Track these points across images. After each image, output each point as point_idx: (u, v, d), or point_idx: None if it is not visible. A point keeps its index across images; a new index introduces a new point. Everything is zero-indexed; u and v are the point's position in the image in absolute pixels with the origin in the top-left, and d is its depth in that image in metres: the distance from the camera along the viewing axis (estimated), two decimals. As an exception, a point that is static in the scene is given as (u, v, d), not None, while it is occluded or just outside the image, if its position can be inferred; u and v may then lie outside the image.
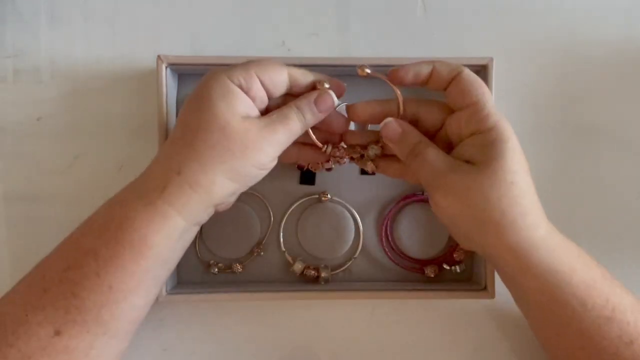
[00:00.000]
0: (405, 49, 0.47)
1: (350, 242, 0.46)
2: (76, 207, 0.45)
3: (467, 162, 0.35)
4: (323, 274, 0.44)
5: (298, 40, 0.47)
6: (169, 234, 0.34)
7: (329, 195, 0.45)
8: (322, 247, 0.46)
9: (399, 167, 0.39)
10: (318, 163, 0.43)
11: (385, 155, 0.39)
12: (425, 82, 0.36)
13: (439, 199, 0.35)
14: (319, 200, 0.45)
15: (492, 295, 0.42)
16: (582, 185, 0.47)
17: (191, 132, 0.34)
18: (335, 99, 0.37)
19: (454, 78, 0.35)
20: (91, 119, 0.46)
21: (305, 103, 0.36)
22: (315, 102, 0.36)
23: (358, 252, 0.45)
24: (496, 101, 0.42)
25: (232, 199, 0.38)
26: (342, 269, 0.45)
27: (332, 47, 0.47)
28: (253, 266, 0.46)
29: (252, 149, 0.34)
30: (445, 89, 0.36)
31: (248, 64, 0.35)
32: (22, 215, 0.45)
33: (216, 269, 0.45)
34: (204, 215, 0.36)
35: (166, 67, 0.42)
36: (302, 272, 0.45)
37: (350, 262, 0.45)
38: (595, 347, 0.34)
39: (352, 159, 0.40)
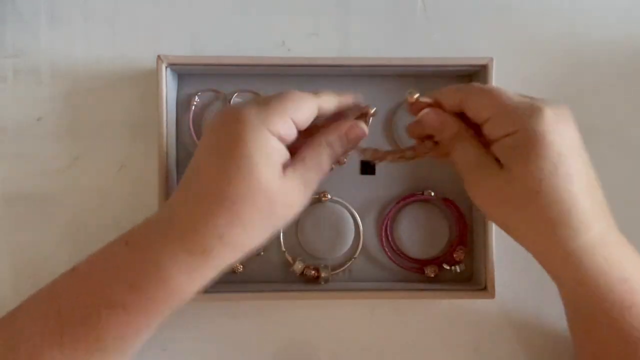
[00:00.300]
0: (405, 49, 0.47)
1: (350, 242, 0.46)
2: (76, 207, 0.46)
3: (500, 163, 0.33)
4: (323, 274, 0.44)
5: (298, 40, 0.47)
6: (202, 285, 0.33)
7: (328, 195, 0.45)
8: (322, 247, 0.45)
9: (439, 148, 0.38)
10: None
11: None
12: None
13: (473, 196, 0.34)
14: (319, 200, 0.45)
15: (492, 295, 0.42)
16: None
17: (232, 197, 0.31)
18: (365, 129, 0.36)
19: (463, 103, 0.34)
20: (91, 119, 0.46)
21: (337, 138, 0.35)
22: (347, 135, 0.35)
23: (358, 252, 0.45)
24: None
25: None
26: (342, 269, 0.45)
27: (332, 47, 0.47)
28: (253, 266, 0.46)
29: (292, 209, 0.33)
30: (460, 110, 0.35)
31: (283, 106, 0.32)
32: (22, 215, 0.45)
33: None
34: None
35: (166, 67, 0.42)
36: (302, 272, 0.45)
37: (350, 262, 0.45)
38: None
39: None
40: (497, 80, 0.42)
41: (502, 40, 0.47)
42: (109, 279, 0.32)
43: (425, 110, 0.35)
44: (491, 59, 0.42)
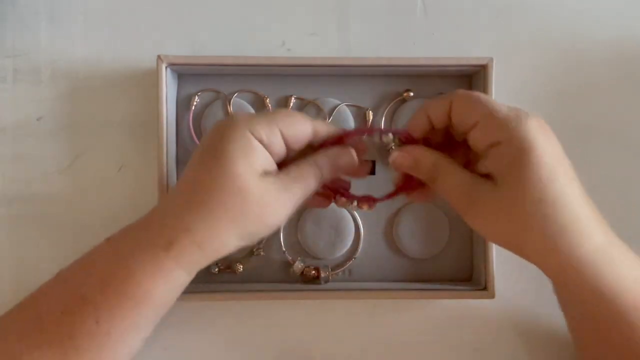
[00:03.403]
0: (405, 49, 0.47)
1: (350, 242, 0.46)
2: (76, 207, 0.46)
3: (489, 176, 0.32)
4: (323, 274, 0.44)
5: (298, 40, 0.47)
6: (172, 288, 0.33)
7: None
8: (322, 247, 0.45)
9: (425, 193, 0.37)
10: None
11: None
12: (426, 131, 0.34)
13: (471, 222, 0.33)
14: (319, 200, 0.45)
15: (492, 295, 0.42)
16: (581, 185, 0.47)
17: (205, 190, 0.31)
18: (355, 157, 0.35)
19: (451, 109, 0.33)
20: (91, 119, 0.46)
21: (326, 161, 0.34)
22: (337, 160, 0.34)
23: (358, 252, 0.45)
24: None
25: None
26: (342, 269, 0.45)
27: (332, 47, 0.47)
28: (253, 266, 0.46)
29: (268, 213, 0.32)
30: (449, 122, 0.34)
31: (273, 116, 0.33)
32: (22, 215, 0.45)
33: (216, 269, 0.45)
34: (207, 266, 0.35)
35: (166, 67, 0.42)
36: (302, 272, 0.45)
37: (350, 262, 0.45)
38: None
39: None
40: (497, 80, 0.42)
41: (502, 40, 0.47)
42: (85, 276, 0.33)
43: (394, 154, 0.34)
44: (491, 59, 0.42)
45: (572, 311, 0.34)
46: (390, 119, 0.46)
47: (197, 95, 0.45)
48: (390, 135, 0.36)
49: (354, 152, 0.35)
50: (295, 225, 0.46)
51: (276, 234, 0.45)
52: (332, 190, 0.38)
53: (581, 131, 0.47)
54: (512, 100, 0.46)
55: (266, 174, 0.33)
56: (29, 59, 0.46)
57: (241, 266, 0.45)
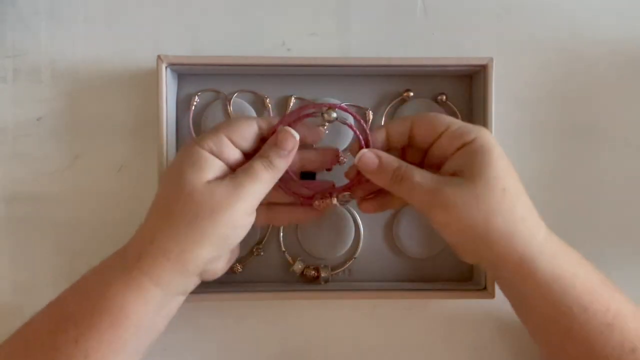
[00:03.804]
0: (405, 49, 0.47)
1: (350, 242, 0.46)
2: (76, 207, 0.46)
3: (455, 175, 0.35)
4: (323, 274, 0.44)
5: (298, 40, 0.47)
6: (146, 304, 0.33)
7: (329, 195, 0.45)
8: (322, 247, 0.45)
9: (379, 202, 0.40)
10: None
11: (365, 196, 0.40)
12: (385, 144, 0.38)
13: (439, 217, 0.34)
14: (319, 200, 0.45)
15: (492, 295, 0.42)
16: (582, 185, 0.47)
17: (164, 202, 0.34)
18: (295, 135, 0.36)
19: (412, 127, 0.37)
20: (91, 119, 0.46)
21: (268, 147, 0.36)
22: (277, 143, 0.36)
23: (358, 252, 0.45)
24: (496, 101, 0.42)
25: (219, 266, 0.37)
26: (342, 269, 0.45)
27: (332, 47, 0.47)
28: (253, 266, 0.46)
29: (219, 209, 0.33)
30: (411, 140, 0.37)
31: (218, 126, 0.36)
32: (22, 215, 0.45)
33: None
34: (187, 285, 0.35)
35: (166, 67, 0.42)
36: (302, 272, 0.45)
37: (350, 262, 0.45)
38: (598, 354, 0.34)
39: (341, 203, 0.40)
40: (497, 80, 0.42)
41: (502, 40, 0.47)
42: (72, 294, 0.35)
43: (362, 152, 0.37)
44: (491, 59, 0.42)
45: (523, 295, 0.35)
46: (390, 119, 0.46)
47: (197, 95, 0.45)
48: (334, 114, 0.37)
49: (292, 131, 0.36)
50: (295, 225, 0.46)
51: (276, 234, 0.46)
52: (312, 197, 0.40)
53: (581, 131, 0.47)
54: (512, 100, 0.46)
55: (219, 179, 0.34)
56: (29, 59, 0.46)
57: (241, 266, 0.45)
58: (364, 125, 0.38)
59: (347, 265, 0.45)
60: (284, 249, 0.45)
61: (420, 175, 0.35)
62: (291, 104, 0.45)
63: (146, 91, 0.45)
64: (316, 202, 0.39)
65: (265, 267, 0.46)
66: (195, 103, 0.45)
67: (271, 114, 0.45)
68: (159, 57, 0.42)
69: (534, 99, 0.47)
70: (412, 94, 0.45)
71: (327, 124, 0.37)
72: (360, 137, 0.37)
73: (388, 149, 0.38)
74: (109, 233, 0.45)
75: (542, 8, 0.47)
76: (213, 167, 0.34)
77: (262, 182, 0.35)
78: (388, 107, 0.45)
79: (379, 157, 0.36)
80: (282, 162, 0.36)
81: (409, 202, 0.36)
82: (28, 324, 0.35)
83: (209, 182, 0.34)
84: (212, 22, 0.47)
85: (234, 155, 0.36)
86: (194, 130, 0.45)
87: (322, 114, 0.37)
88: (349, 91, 0.46)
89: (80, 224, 0.45)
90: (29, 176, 0.46)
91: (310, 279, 0.45)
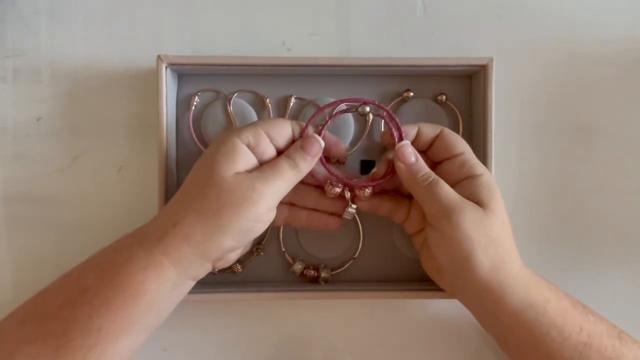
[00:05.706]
0: (405, 49, 0.47)
1: (350, 242, 0.46)
2: (76, 207, 0.46)
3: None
4: (323, 274, 0.44)
5: (298, 40, 0.47)
6: (162, 283, 0.34)
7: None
8: (322, 247, 0.46)
9: (391, 206, 0.41)
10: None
11: (376, 194, 0.41)
12: (412, 142, 0.39)
13: (448, 228, 0.36)
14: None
15: (492, 295, 0.42)
16: (582, 185, 0.47)
17: (192, 188, 0.35)
18: (321, 141, 0.38)
19: (438, 136, 0.39)
20: (91, 119, 0.46)
21: (293, 150, 0.37)
22: (302, 147, 0.37)
23: (358, 252, 0.45)
24: (496, 101, 0.42)
25: (232, 257, 0.38)
26: (342, 269, 0.45)
27: (332, 47, 0.47)
28: (253, 266, 0.46)
29: (244, 201, 0.34)
30: (429, 147, 0.40)
31: (257, 122, 0.37)
32: (22, 215, 0.45)
33: (216, 269, 0.45)
34: (200, 271, 0.36)
35: (166, 67, 0.42)
36: (302, 272, 0.45)
37: (350, 262, 0.46)
38: None
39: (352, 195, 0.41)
40: (497, 80, 0.42)
41: (502, 40, 0.47)
42: (88, 270, 0.35)
43: (404, 142, 0.39)
44: (491, 59, 0.42)
45: (501, 322, 0.37)
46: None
47: (197, 95, 0.45)
48: (367, 108, 0.40)
49: (318, 137, 0.38)
50: (295, 225, 0.46)
51: (276, 234, 0.46)
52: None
53: (581, 131, 0.47)
54: (512, 100, 0.46)
55: (247, 171, 0.35)
56: (29, 59, 0.46)
57: (241, 266, 0.45)
58: (398, 121, 0.39)
59: (347, 265, 0.45)
60: (284, 249, 0.45)
61: (446, 185, 0.37)
62: (291, 104, 0.45)
63: (146, 91, 0.45)
64: (327, 187, 0.40)
65: (265, 267, 0.46)
66: (195, 103, 0.45)
67: (271, 114, 0.45)
68: (159, 57, 0.42)
69: (533, 99, 0.47)
70: (412, 94, 0.45)
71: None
72: (395, 132, 0.39)
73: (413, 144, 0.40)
74: (109, 233, 0.45)
75: (542, 8, 0.47)
76: (245, 160, 0.35)
77: (286, 179, 0.36)
78: (388, 107, 0.45)
79: (416, 155, 0.38)
80: (305, 165, 0.37)
81: (423, 205, 0.38)
82: (41, 295, 0.35)
83: (238, 173, 0.35)
84: (212, 22, 0.47)
85: (269, 151, 0.37)
86: (193, 131, 0.45)
87: (357, 108, 0.40)
88: (349, 91, 0.45)
89: (80, 223, 0.45)
90: (28, 176, 0.46)
91: (310, 279, 0.45)
